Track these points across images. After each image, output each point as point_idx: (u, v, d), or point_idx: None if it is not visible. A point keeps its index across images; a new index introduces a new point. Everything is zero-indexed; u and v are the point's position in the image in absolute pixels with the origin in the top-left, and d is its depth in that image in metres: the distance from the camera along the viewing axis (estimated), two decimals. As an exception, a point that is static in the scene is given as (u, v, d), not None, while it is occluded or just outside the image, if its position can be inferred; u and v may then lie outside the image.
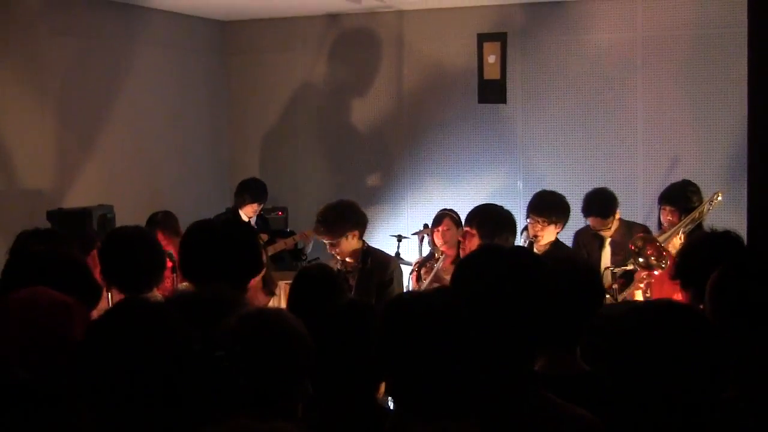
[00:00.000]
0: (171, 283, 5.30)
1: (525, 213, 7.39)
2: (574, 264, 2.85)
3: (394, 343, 2.02)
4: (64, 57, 7.04)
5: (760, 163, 4.11)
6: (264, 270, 5.16)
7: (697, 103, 7.50)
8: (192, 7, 8.15)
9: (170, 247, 5.39)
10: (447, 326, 1.99)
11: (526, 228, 6.36)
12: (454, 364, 1.97)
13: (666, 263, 5.00)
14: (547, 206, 5.64)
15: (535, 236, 5.58)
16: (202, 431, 1.53)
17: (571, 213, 5.75)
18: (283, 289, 5.36)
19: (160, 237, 5.50)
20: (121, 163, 7.59)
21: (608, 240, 5.96)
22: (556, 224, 5.60)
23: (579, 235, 6.31)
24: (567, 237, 6.04)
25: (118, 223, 6.64)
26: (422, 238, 6.35)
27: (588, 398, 2.30)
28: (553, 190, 5.91)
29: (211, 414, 2.02)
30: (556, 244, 5.66)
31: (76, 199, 6.85)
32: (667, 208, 5.68)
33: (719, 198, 5.63)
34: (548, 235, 5.60)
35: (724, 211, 6.18)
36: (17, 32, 6.64)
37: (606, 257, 5.93)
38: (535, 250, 5.61)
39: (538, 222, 5.58)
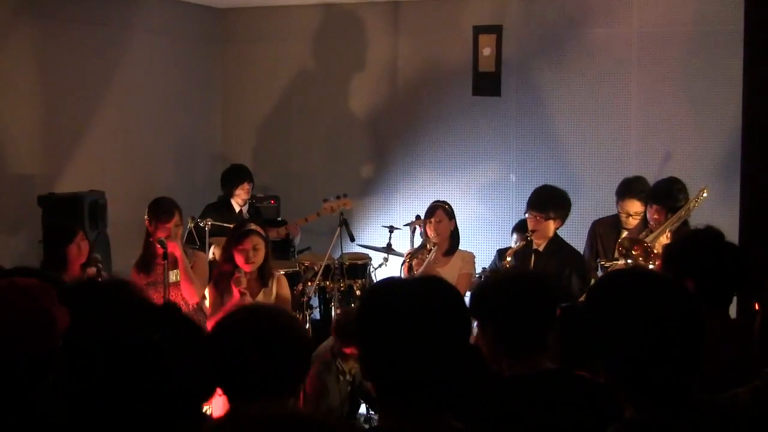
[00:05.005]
0: (162, 270, 5.30)
1: (517, 206, 7.43)
2: (531, 277, 2.98)
3: (371, 328, 1.99)
4: (57, 42, 7.00)
5: (753, 160, 4.14)
6: (263, 261, 5.19)
7: (691, 99, 7.50)
8: (187, -7, 8.12)
9: (162, 234, 5.34)
10: (426, 315, 1.93)
11: (515, 228, 6.37)
12: (429, 356, 1.92)
13: (653, 263, 4.98)
14: (544, 202, 5.59)
15: (533, 231, 5.57)
16: (239, 410, 1.51)
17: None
18: (276, 279, 5.38)
19: (152, 227, 5.42)
20: (113, 149, 7.56)
21: (625, 233, 5.92)
22: (554, 220, 5.56)
23: (597, 224, 6.25)
24: (573, 230, 6.01)
25: (110, 210, 6.63)
26: (414, 229, 6.35)
27: (554, 393, 2.49)
28: (549, 184, 5.88)
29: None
30: (555, 239, 5.64)
31: (68, 184, 6.81)
32: (654, 206, 5.56)
33: (705, 194, 5.55)
34: (545, 230, 5.57)
35: (717, 207, 6.20)
36: (9, 16, 6.60)
37: None
38: (534, 246, 5.61)
39: (535, 217, 5.56)
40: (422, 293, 1.97)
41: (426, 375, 1.92)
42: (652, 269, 2.39)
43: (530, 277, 2.89)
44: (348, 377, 5.04)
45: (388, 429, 1.97)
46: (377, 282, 2.19)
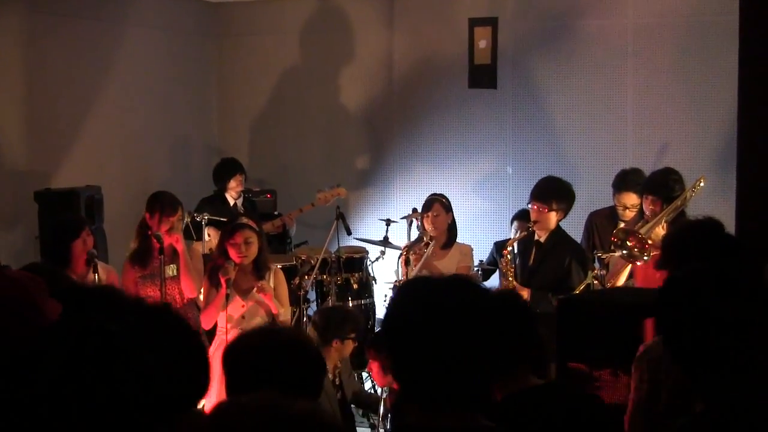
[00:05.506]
0: (158, 264, 5.29)
1: (514, 198, 7.41)
2: (510, 298, 3.07)
3: (399, 323, 2.00)
4: (53, 37, 6.98)
5: (748, 151, 4.13)
6: (258, 255, 5.20)
7: (687, 90, 7.49)
8: (182, -13, 8.09)
9: (165, 227, 5.33)
10: (459, 315, 1.95)
11: (515, 216, 6.36)
12: (455, 354, 1.92)
13: (649, 254, 4.96)
14: (547, 193, 5.58)
15: (535, 222, 5.56)
16: (231, 401, 1.49)
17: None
18: (272, 272, 5.38)
19: (153, 220, 5.40)
20: (109, 144, 7.55)
21: (621, 224, 5.90)
22: (557, 212, 5.56)
23: (593, 216, 6.24)
24: (569, 222, 6.00)
25: (106, 205, 6.62)
26: (411, 222, 6.35)
27: (549, 407, 2.60)
28: (552, 175, 5.88)
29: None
30: (557, 231, 5.63)
31: (64, 180, 6.80)
32: (650, 197, 5.50)
33: (701, 184, 5.52)
34: (547, 221, 5.56)
35: (713, 198, 6.20)
36: (4, 11, 6.57)
37: None
38: (536, 237, 5.61)
39: (537, 208, 5.55)
40: (454, 293, 1.98)
41: (458, 374, 1.92)
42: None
43: (504, 297, 3.04)
44: (335, 379, 5.04)
45: (419, 427, 1.97)
46: (406, 282, 2.21)
